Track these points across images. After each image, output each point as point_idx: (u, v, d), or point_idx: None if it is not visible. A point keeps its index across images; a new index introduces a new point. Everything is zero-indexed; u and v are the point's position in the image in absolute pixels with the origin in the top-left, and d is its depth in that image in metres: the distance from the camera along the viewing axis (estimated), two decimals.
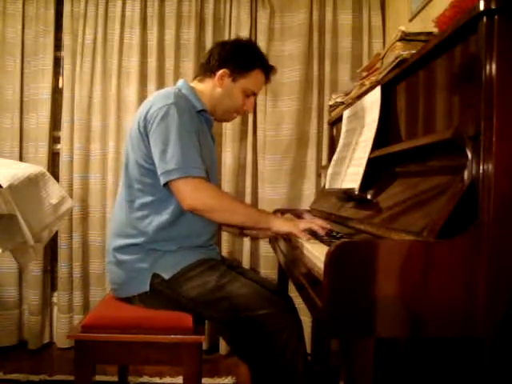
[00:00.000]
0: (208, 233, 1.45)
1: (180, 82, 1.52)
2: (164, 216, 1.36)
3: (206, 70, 1.51)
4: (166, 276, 1.33)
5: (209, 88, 1.50)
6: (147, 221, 1.37)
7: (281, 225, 1.37)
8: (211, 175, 1.45)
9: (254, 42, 1.63)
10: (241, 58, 1.48)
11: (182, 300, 1.32)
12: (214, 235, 1.51)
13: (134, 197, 1.39)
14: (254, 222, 1.41)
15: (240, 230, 1.67)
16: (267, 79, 1.56)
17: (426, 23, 1.71)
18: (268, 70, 1.54)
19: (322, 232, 1.32)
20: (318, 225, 1.35)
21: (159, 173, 1.31)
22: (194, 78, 1.57)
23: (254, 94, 1.55)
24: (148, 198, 1.37)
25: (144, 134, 1.35)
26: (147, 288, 1.34)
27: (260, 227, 1.44)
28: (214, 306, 1.29)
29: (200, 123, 1.44)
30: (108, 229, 2.06)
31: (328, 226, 1.36)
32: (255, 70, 1.49)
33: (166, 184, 1.31)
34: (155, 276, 1.34)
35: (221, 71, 1.46)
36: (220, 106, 1.52)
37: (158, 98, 1.38)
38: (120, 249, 1.39)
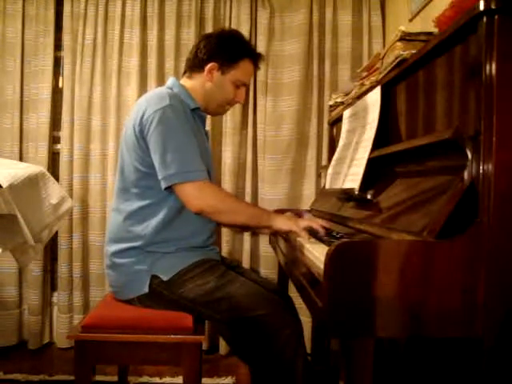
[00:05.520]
0: (206, 233, 1.45)
1: (170, 81, 1.50)
2: (160, 218, 1.35)
3: (193, 65, 1.49)
4: (165, 277, 1.32)
5: (199, 84, 1.48)
6: (144, 224, 1.36)
7: (282, 223, 1.37)
8: (209, 173, 1.43)
9: (238, 31, 1.60)
10: (228, 50, 1.45)
11: (181, 301, 1.32)
12: (212, 235, 1.50)
13: (130, 201, 1.38)
14: (256, 222, 1.41)
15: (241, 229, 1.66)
16: (256, 67, 1.55)
17: (426, 23, 1.71)
18: (256, 58, 1.52)
19: (322, 231, 1.32)
20: (318, 224, 1.35)
21: (160, 177, 1.31)
22: (183, 74, 1.55)
23: (245, 85, 1.52)
24: (144, 202, 1.36)
25: (140, 137, 1.34)
26: (146, 290, 1.34)
27: (262, 226, 1.43)
28: (214, 307, 1.29)
29: (194, 122, 1.43)
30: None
31: (328, 225, 1.36)
32: (243, 60, 1.47)
33: (167, 188, 1.31)
34: (154, 277, 1.33)
35: (209, 65, 1.44)
36: (212, 100, 1.50)
37: (152, 99, 1.36)
38: (118, 253, 1.39)
